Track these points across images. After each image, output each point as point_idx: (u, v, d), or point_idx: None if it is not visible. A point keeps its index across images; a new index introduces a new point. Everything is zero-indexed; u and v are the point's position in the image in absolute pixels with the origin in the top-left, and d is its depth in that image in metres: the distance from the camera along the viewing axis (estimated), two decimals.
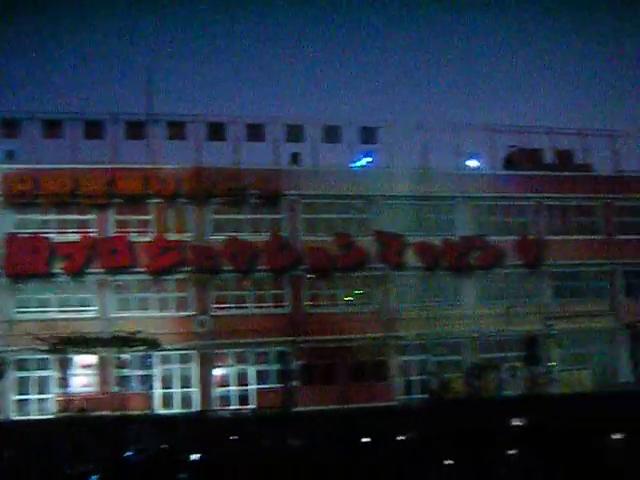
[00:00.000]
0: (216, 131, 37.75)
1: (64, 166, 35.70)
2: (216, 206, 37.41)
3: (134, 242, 35.96)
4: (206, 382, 35.72)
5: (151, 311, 36.00)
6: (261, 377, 36.51)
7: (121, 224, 36.39)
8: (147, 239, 36.26)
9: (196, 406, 35.18)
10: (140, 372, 35.41)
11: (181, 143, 37.53)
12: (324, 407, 33.01)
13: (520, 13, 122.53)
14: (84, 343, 33.62)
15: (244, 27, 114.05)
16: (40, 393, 34.60)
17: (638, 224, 42.98)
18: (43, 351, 33.23)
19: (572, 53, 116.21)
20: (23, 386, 34.58)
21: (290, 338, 36.44)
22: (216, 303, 36.84)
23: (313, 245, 37.79)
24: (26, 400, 34.40)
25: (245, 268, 36.94)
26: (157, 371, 35.55)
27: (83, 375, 35.14)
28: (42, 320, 34.23)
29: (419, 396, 36.91)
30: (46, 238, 35.21)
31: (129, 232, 36.24)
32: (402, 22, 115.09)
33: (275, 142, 38.56)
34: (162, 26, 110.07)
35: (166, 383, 35.61)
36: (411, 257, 39.00)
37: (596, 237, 42.18)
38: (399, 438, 20.24)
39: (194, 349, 35.94)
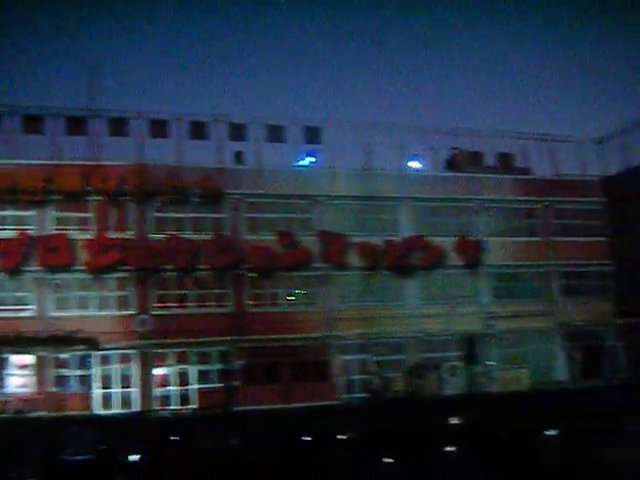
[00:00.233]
0: (159, 128, 37.46)
1: (1, 161, 34.99)
2: (158, 204, 37.06)
3: (74, 240, 35.41)
4: (146, 382, 35.37)
5: (91, 310, 35.49)
6: (202, 377, 36.26)
7: (61, 221, 35.80)
8: (87, 237, 35.73)
9: (136, 406, 34.77)
10: (79, 372, 34.86)
11: (124, 140, 37.09)
12: (266, 407, 32.99)
13: (464, 15, 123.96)
14: (21, 343, 33.06)
15: (188, 23, 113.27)
16: None
17: (575, 226, 43.91)
18: None
19: (517, 57, 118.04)
20: None
21: (232, 338, 36.29)
22: (157, 302, 36.48)
23: (256, 244, 37.71)
24: None
25: (187, 267, 36.68)
26: (96, 371, 35.02)
27: (20, 375, 34.42)
28: None
29: (361, 395, 37.14)
30: None
31: (69, 229, 35.69)
32: (347, 22, 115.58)
33: (219, 141, 38.38)
34: (107, 22, 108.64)
35: (106, 383, 35.09)
36: (354, 257, 39.19)
37: (535, 239, 42.98)
38: (340, 437, 20.35)
39: (134, 349, 35.52)
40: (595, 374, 40.31)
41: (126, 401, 34.99)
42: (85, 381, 34.78)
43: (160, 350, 35.75)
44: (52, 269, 35.12)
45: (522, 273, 42.68)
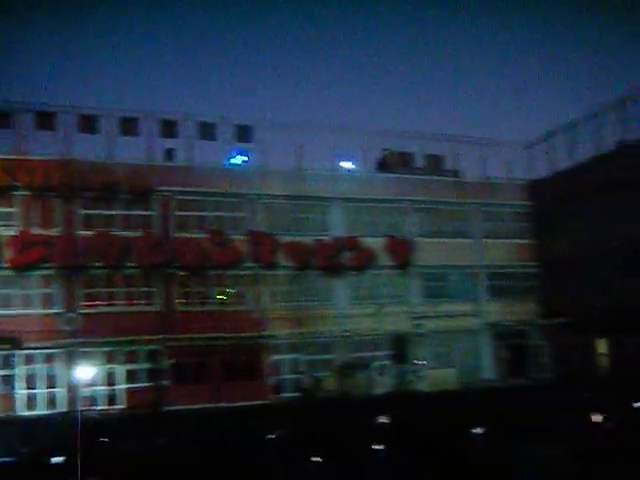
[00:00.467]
0: (88, 123, 36.74)
1: None
2: (86, 200, 36.35)
3: None
4: (73, 382, 34.64)
5: (15, 308, 34.60)
6: (131, 376, 35.75)
7: None
8: (11, 233, 34.84)
9: (62, 407, 34.07)
10: (2, 372, 33.99)
11: (52, 134, 36.28)
12: (196, 406, 32.72)
13: (393, 15, 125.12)
14: None
15: (114, 19, 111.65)
16: None
17: (503, 228, 44.77)
18: None
19: (450, 59, 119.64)
20: None
21: (161, 336, 35.86)
22: (85, 300, 35.80)
23: (186, 242, 37.36)
24: None
25: (116, 264, 36.09)
26: (20, 371, 34.20)
27: None
28: None
29: (291, 395, 37.14)
30: None
31: None
32: (279, 23, 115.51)
33: (149, 137, 37.88)
34: (37, 14, 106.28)
35: (30, 383, 34.30)
36: (284, 256, 39.16)
37: (464, 240, 43.60)
38: (269, 436, 20.33)
39: (61, 348, 34.79)
40: (521, 373, 41.15)
41: (52, 401, 34.25)
42: (8, 381, 33.92)
43: (87, 349, 35.06)
44: None
45: (451, 274, 43.28)
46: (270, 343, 38.21)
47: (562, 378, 37.85)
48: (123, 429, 24.00)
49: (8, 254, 34.53)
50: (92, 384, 34.79)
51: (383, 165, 45.19)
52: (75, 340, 34.82)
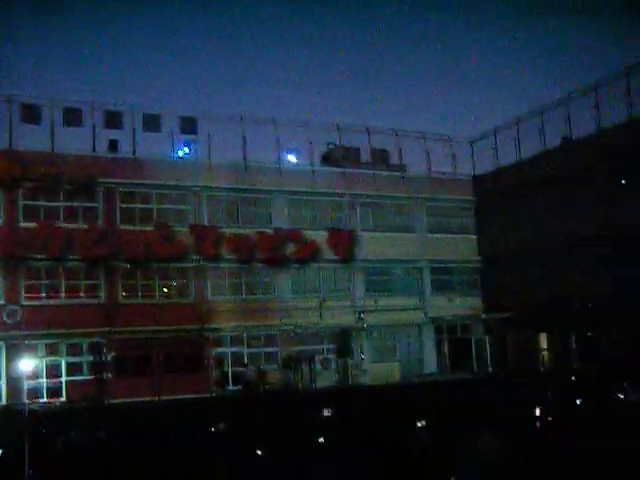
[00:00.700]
0: (30, 113, 36.15)
1: None
2: (28, 191, 35.79)
3: None
4: (14, 374, 34.14)
5: None
6: (73, 369, 35.42)
7: None
8: None
9: (2, 400, 33.62)
10: None
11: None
12: (138, 399, 32.57)
13: (343, 9, 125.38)
14: None
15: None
16: None
17: (447, 223, 45.36)
18: None
19: (397, 53, 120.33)
20: None
21: (104, 329, 35.57)
22: (27, 292, 35.32)
23: (130, 235, 37.05)
24: None
25: (58, 256, 35.63)
26: None
27: None
28: None
29: (235, 388, 37.17)
30: None
31: None
32: (226, 16, 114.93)
33: (93, 128, 37.41)
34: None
35: None
36: (228, 249, 39.11)
37: (408, 234, 44.04)
38: (212, 429, 20.37)
39: (2, 340, 34.29)
40: (463, 367, 41.76)
41: None
42: None
43: (29, 342, 34.61)
44: None
45: (395, 268, 43.72)
46: (214, 336, 38.20)
47: (504, 372, 38.48)
48: (64, 422, 23.77)
49: None
50: (34, 377, 34.44)
51: (328, 159, 45.38)
52: (17, 332, 34.31)
